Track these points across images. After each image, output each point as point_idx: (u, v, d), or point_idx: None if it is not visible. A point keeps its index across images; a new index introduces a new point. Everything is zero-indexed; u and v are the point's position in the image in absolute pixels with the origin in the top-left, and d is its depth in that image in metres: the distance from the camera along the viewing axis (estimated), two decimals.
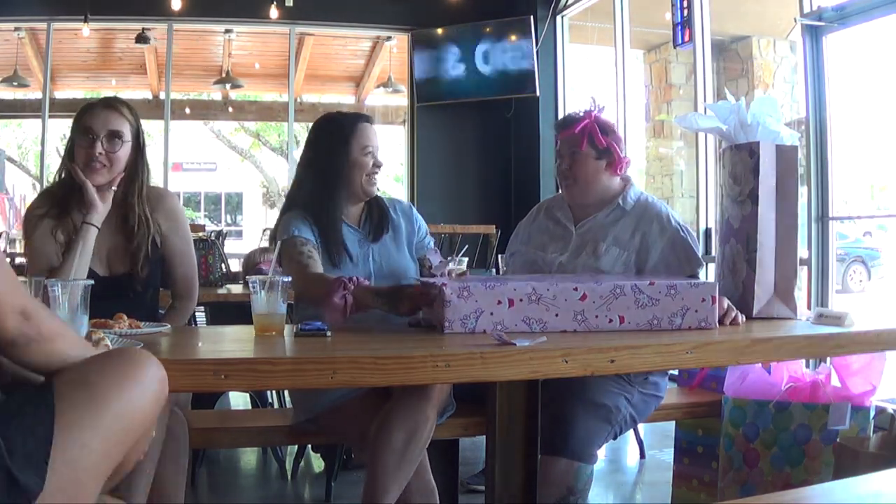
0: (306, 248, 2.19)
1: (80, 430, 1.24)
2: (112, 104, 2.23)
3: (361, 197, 2.35)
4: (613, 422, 2.23)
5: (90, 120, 2.18)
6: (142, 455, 1.40)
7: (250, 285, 1.82)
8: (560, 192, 2.60)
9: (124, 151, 2.21)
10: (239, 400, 4.29)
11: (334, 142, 2.31)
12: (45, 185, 7.34)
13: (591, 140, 2.41)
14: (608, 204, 2.45)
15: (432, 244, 2.51)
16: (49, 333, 1.32)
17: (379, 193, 2.42)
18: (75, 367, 1.32)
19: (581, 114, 2.46)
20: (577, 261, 2.39)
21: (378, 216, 2.38)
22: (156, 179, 7.83)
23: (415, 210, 2.51)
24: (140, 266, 2.24)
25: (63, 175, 2.24)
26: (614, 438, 2.31)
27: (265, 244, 7.73)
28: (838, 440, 2.22)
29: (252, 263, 4.09)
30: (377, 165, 2.33)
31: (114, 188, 2.21)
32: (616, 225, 2.42)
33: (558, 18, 6.45)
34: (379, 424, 2.04)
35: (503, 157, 6.93)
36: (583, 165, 2.43)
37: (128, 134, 2.22)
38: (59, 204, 2.22)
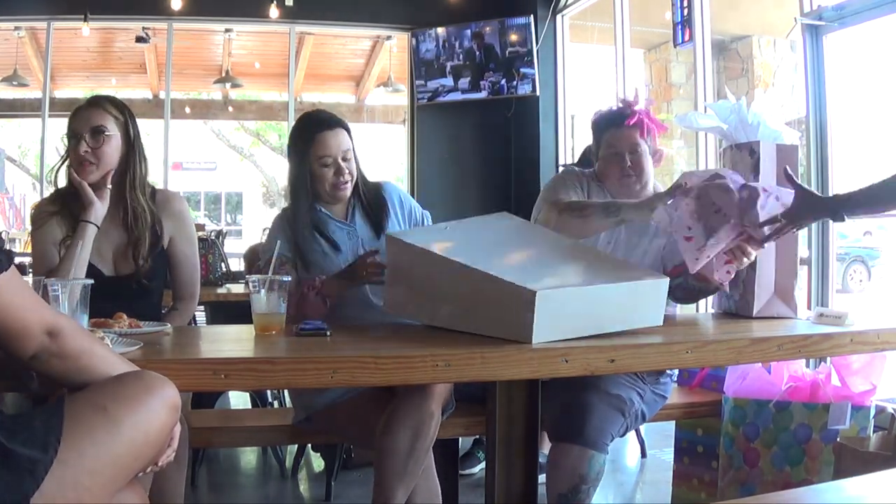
0: (282, 269, 2.19)
1: (85, 452, 1.21)
2: (94, 102, 2.24)
3: (333, 201, 2.36)
4: (627, 413, 2.22)
5: (74, 122, 2.21)
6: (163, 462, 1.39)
7: (250, 285, 1.82)
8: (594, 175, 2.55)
9: (111, 146, 2.22)
10: (239, 400, 4.29)
11: (296, 152, 2.34)
12: (45, 184, 7.35)
13: (647, 134, 2.41)
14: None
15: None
16: (74, 352, 1.31)
17: (372, 182, 2.44)
18: (90, 388, 1.30)
19: (627, 107, 2.43)
20: (628, 251, 2.38)
21: (371, 208, 2.39)
22: (156, 179, 7.83)
23: (400, 193, 2.48)
24: (141, 257, 2.24)
25: (67, 178, 2.25)
26: (623, 434, 2.30)
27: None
28: (838, 440, 2.22)
29: (255, 259, 4.06)
30: (339, 174, 2.29)
31: (109, 186, 2.21)
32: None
33: (558, 18, 6.45)
34: (384, 425, 2.03)
35: (503, 156, 6.92)
36: (644, 161, 2.42)
37: (112, 128, 2.22)
38: (69, 206, 2.23)
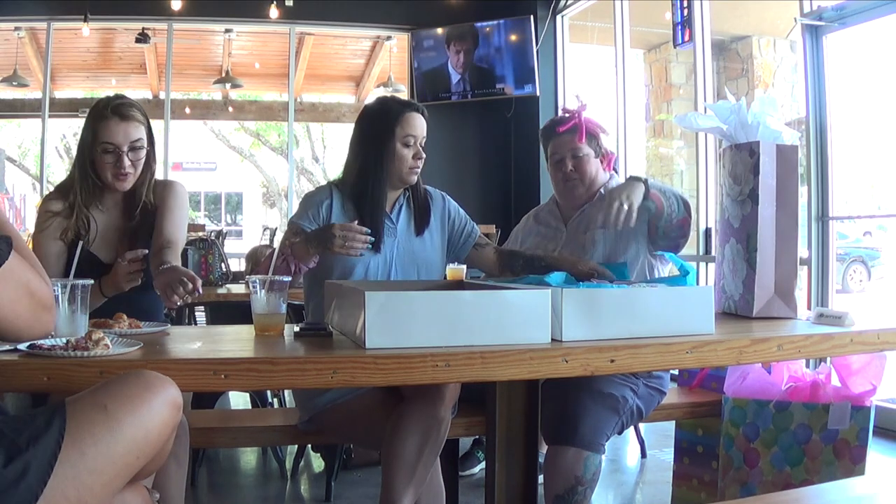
0: (297, 238, 2.20)
1: (86, 451, 1.22)
2: (127, 115, 2.23)
3: (402, 185, 2.36)
4: (621, 412, 2.23)
5: (110, 136, 2.21)
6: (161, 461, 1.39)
7: (250, 285, 1.82)
8: (553, 197, 2.65)
9: (143, 154, 2.28)
10: (239, 400, 4.29)
11: (377, 131, 2.31)
12: (45, 184, 7.35)
13: (588, 139, 2.47)
14: (593, 197, 2.52)
15: (477, 232, 2.51)
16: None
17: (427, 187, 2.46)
18: (91, 388, 1.30)
19: (567, 115, 2.52)
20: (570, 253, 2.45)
21: (417, 209, 2.38)
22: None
23: (448, 199, 2.49)
24: (136, 244, 2.25)
25: (78, 172, 2.26)
26: (620, 432, 2.30)
27: (266, 241, 7.75)
28: (838, 440, 2.23)
29: (257, 260, 4.09)
30: (418, 157, 2.32)
31: (141, 269, 2.15)
32: (597, 210, 2.45)
33: (558, 18, 6.45)
34: (392, 428, 2.01)
35: (503, 156, 6.93)
36: (586, 164, 2.50)
37: (145, 138, 2.27)
38: (73, 202, 2.25)
